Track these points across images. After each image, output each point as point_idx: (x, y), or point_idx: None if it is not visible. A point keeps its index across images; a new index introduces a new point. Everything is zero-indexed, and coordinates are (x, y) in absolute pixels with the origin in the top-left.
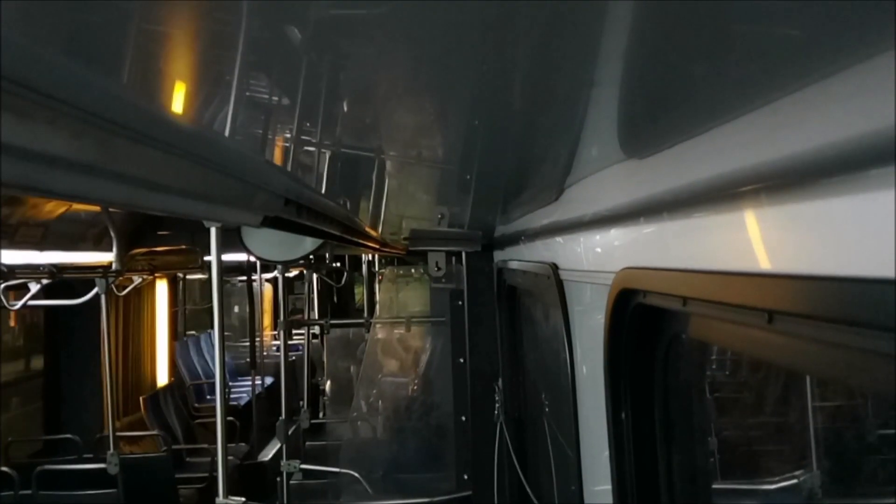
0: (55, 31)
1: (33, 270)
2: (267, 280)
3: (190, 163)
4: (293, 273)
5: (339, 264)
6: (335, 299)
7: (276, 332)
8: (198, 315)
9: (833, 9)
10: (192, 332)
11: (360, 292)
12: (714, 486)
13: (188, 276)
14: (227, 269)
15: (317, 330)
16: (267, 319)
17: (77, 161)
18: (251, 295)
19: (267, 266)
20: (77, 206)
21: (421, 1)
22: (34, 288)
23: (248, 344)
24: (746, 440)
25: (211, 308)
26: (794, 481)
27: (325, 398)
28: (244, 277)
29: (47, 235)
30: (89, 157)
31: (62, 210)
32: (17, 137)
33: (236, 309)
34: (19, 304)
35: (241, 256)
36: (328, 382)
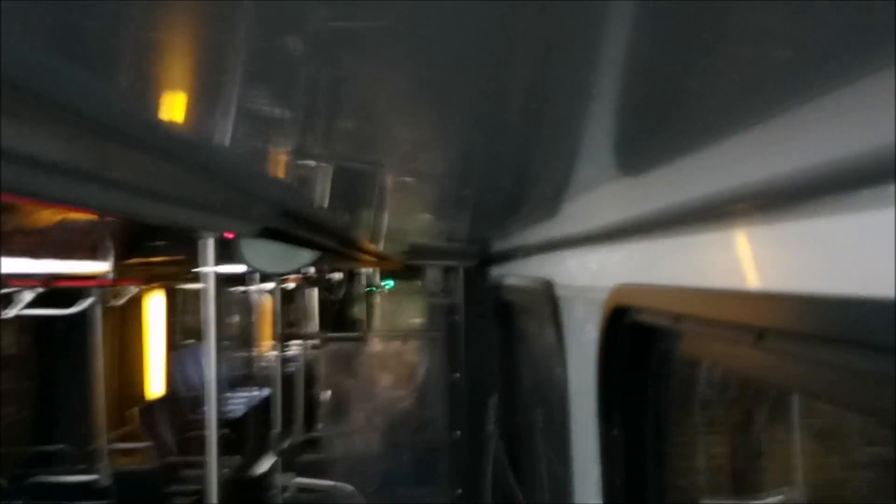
0: (54, 35)
1: (27, 279)
2: (265, 291)
3: (188, 172)
4: (292, 285)
5: (337, 276)
6: (333, 312)
7: (273, 344)
8: (197, 325)
9: (827, 28)
10: (192, 341)
11: (359, 306)
12: (702, 503)
13: (187, 287)
14: (225, 280)
15: (315, 343)
16: (265, 331)
17: (72, 166)
18: (248, 307)
19: (265, 278)
20: (72, 215)
21: (420, 18)
22: (27, 296)
23: (245, 355)
24: (734, 457)
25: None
26: (781, 497)
27: (322, 411)
28: (242, 288)
29: (41, 244)
30: (84, 163)
31: (57, 218)
32: (12, 141)
33: (234, 320)
34: (12, 312)
35: (239, 268)
36: (324, 395)
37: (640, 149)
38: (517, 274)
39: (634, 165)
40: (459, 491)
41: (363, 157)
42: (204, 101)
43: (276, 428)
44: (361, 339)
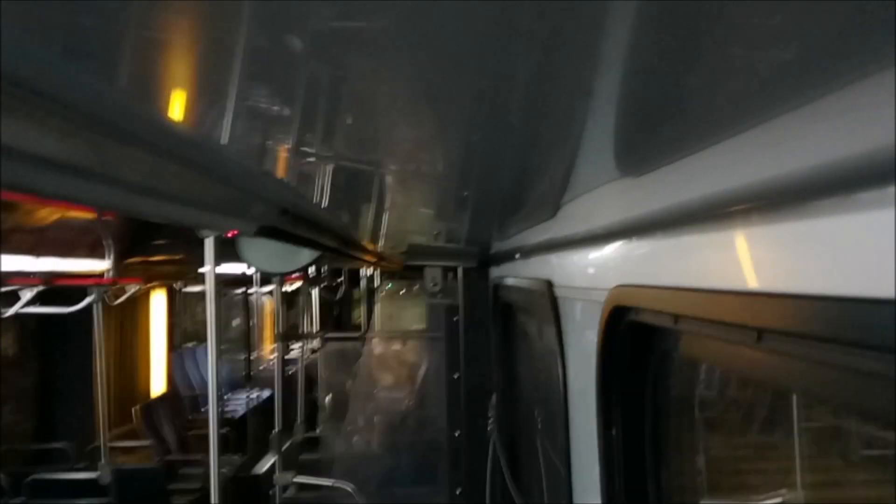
0: (53, 33)
1: (26, 277)
2: (266, 293)
3: (187, 170)
4: (293, 287)
5: (339, 280)
6: (334, 314)
7: (274, 345)
8: (199, 327)
9: (827, 29)
10: (191, 344)
11: (359, 309)
12: (702, 503)
13: (188, 289)
14: (227, 283)
15: (316, 345)
16: (266, 333)
17: (71, 163)
18: (247, 309)
19: (266, 279)
20: (71, 213)
21: (420, 18)
22: (27, 295)
23: (246, 357)
24: (734, 458)
25: None
26: (779, 499)
27: (325, 413)
28: (244, 290)
29: (41, 242)
30: (84, 160)
31: (56, 216)
32: (11, 138)
33: (236, 322)
34: (12, 311)
35: (240, 269)
36: (326, 398)
37: (640, 150)
38: (517, 274)
39: (634, 166)
40: (459, 490)
41: (363, 156)
42: (204, 98)
43: (277, 427)
44: (362, 340)
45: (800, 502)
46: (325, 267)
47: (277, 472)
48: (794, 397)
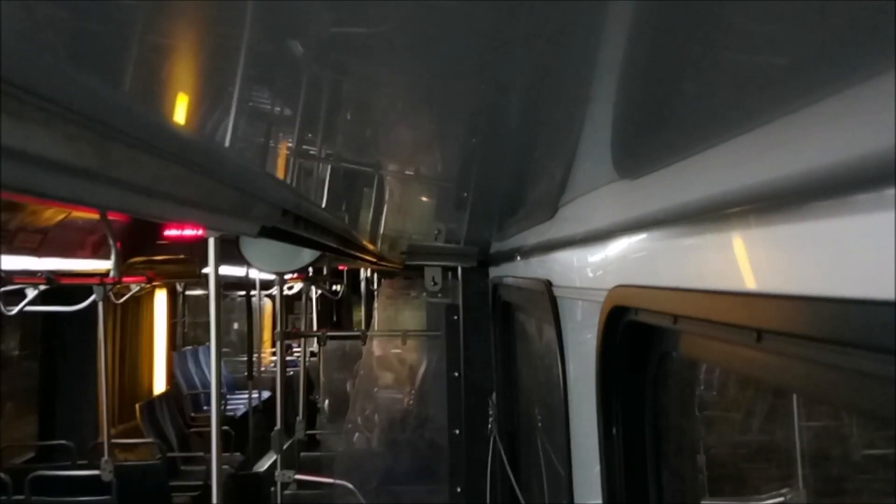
0: (59, 38)
1: (30, 276)
2: (267, 296)
3: (189, 171)
4: (293, 291)
5: (338, 287)
6: (333, 320)
7: (275, 349)
8: (199, 332)
9: (826, 33)
10: (191, 347)
11: (359, 311)
12: (702, 503)
13: (190, 292)
14: (228, 286)
15: (315, 348)
16: (267, 334)
17: (74, 165)
18: (249, 310)
19: (267, 284)
20: (76, 213)
21: (421, 22)
22: (31, 293)
23: (248, 357)
24: (734, 458)
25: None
26: (781, 499)
27: (324, 417)
28: (244, 293)
29: (45, 242)
30: (87, 162)
31: (61, 217)
32: (15, 140)
33: (236, 326)
34: (16, 309)
35: (240, 271)
36: (326, 402)
37: (638, 152)
38: (516, 274)
39: (632, 168)
40: (459, 489)
41: (364, 158)
42: (207, 102)
43: (277, 426)
44: (361, 338)
45: (801, 502)
46: (325, 269)
47: (278, 469)
48: (795, 397)
